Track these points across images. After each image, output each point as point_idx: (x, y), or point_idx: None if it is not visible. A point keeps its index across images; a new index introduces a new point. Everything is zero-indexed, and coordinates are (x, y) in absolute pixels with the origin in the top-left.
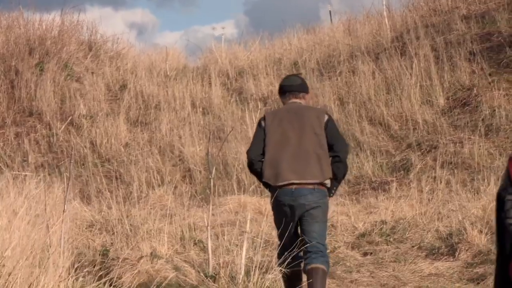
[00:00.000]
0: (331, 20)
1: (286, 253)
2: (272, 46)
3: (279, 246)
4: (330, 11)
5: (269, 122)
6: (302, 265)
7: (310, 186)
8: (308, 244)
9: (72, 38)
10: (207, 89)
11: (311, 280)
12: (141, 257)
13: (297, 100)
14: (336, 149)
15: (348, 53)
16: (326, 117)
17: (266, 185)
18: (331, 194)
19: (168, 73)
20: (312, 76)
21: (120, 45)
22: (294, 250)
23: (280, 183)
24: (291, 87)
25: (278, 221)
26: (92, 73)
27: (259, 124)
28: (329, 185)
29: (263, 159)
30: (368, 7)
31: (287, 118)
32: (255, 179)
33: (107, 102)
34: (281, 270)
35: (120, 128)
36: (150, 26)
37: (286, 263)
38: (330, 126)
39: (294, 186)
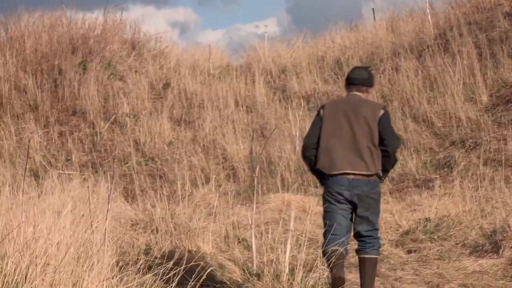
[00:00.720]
0: (374, 17)
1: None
2: (315, 44)
3: (324, 243)
4: (372, 9)
5: (327, 112)
6: (345, 263)
7: (365, 178)
8: (362, 233)
9: (115, 37)
10: (251, 87)
11: (363, 270)
12: (185, 255)
13: (358, 93)
14: (387, 143)
15: (391, 51)
16: (381, 112)
17: (318, 173)
18: (380, 181)
19: (211, 72)
20: None
21: (163, 43)
22: (340, 245)
23: (335, 172)
24: (356, 80)
25: (328, 212)
26: (136, 71)
27: (318, 113)
28: (381, 174)
29: (317, 147)
30: (410, 5)
31: (344, 109)
32: (300, 176)
33: (151, 100)
34: (324, 269)
35: (164, 126)
36: (192, 25)
37: (331, 259)
38: (383, 121)
39: (351, 177)
